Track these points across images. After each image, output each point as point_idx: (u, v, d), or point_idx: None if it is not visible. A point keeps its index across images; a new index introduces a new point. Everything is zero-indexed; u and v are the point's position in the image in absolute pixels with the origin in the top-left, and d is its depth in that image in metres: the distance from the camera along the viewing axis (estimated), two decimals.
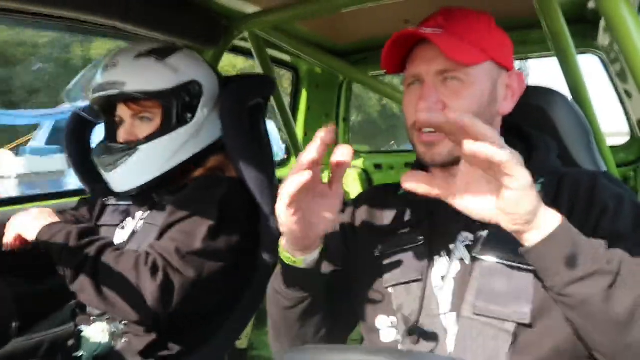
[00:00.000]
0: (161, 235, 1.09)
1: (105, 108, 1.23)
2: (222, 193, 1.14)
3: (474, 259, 0.79)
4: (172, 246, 1.05)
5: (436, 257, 0.83)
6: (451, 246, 0.82)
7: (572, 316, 0.65)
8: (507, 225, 0.64)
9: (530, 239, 0.64)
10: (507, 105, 0.87)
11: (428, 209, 0.88)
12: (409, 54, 0.85)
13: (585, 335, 0.66)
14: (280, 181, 2.07)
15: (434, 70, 0.81)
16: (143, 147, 1.13)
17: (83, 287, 1.02)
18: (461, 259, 0.81)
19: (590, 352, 0.68)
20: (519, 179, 0.59)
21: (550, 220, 0.64)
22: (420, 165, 0.93)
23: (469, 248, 0.81)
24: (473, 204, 0.66)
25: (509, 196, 0.61)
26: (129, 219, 1.22)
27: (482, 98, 0.81)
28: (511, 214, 0.62)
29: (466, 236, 0.82)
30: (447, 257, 0.82)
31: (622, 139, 2.08)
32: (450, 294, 0.80)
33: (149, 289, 1.00)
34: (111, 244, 1.10)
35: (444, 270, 0.82)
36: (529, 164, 0.81)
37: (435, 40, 0.77)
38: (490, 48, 0.82)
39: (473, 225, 0.82)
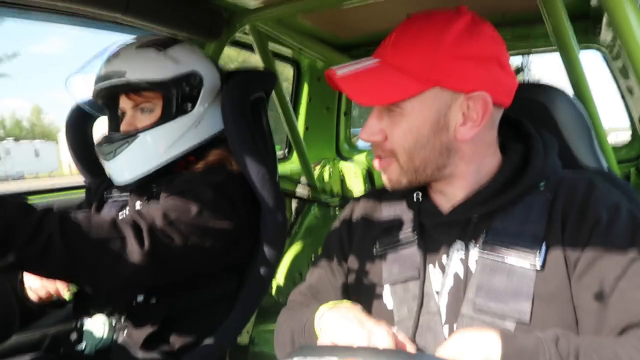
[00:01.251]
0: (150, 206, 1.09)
1: (108, 101, 1.23)
2: (219, 180, 1.14)
3: (468, 268, 0.79)
4: (159, 212, 1.02)
5: (431, 264, 0.83)
6: (444, 257, 0.82)
7: None
8: None
9: None
10: (466, 131, 0.78)
11: (420, 214, 0.88)
12: None
13: None
14: (281, 177, 2.07)
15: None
16: (143, 135, 1.14)
17: (47, 252, 0.85)
18: (455, 273, 0.80)
19: None
20: None
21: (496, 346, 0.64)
22: None
23: (463, 260, 0.80)
24: None
25: None
26: (126, 210, 1.22)
27: (421, 130, 0.77)
28: None
29: (460, 245, 0.82)
30: (441, 268, 0.82)
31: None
32: (448, 293, 0.80)
33: (132, 247, 0.93)
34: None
35: (438, 284, 0.82)
36: (526, 170, 0.80)
37: (343, 88, 0.79)
38: (437, 72, 0.75)
39: (465, 233, 0.82)
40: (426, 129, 0.77)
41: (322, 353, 0.55)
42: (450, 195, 0.84)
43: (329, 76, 0.82)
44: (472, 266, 0.79)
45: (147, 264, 0.95)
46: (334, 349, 0.55)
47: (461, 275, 0.79)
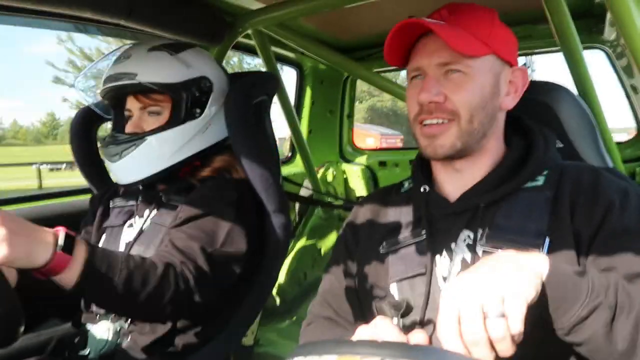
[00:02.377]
0: (179, 225, 1.08)
1: (115, 101, 1.23)
2: (236, 196, 1.15)
3: (476, 255, 0.79)
4: (196, 245, 1.04)
5: (438, 255, 0.84)
6: (452, 245, 0.83)
7: (580, 349, 0.66)
8: None
9: None
10: (509, 101, 0.87)
11: (428, 206, 0.88)
12: (412, 48, 0.86)
13: None
14: (285, 179, 2.07)
15: (436, 62, 0.81)
16: (150, 138, 1.13)
17: (108, 296, 0.91)
18: (463, 259, 0.81)
19: None
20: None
21: (543, 264, 0.63)
22: (421, 162, 0.94)
23: (470, 246, 0.81)
24: None
25: None
26: (136, 217, 1.22)
27: (484, 91, 0.82)
28: None
29: (468, 234, 0.82)
30: (449, 256, 0.82)
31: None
32: None
33: (181, 297, 0.98)
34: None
35: (446, 270, 0.82)
36: (529, 159, 0.83)
37: (437, 31, 0.77)
38: (493, 42, 0.82)
39: (473, 222, 0.82)
40: (487, 90, 0.82)
41: (321, 351, 0.54)
42: (465, 178, 0.86)
43: (405, 27, 0.81)
44: (480, 252, 0.79)
45: (191, 302, 1.01)
46: (333, 346, 0.55)
47: (468, 260, 0.80)
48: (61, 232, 0.82)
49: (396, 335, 0.68)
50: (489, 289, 0.58)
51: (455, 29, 0.80)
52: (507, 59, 0.85)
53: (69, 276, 0.82)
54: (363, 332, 0.70)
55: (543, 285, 0.61)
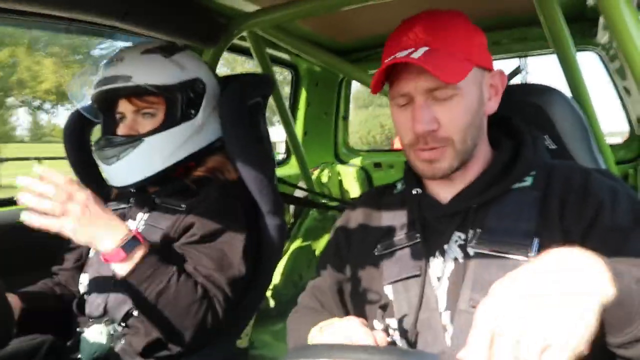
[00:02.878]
0: (197, 243, 1.10)
1: (105, 105, 1.22)
2: (240, 204, 1.17)
3: (468, 255, 0.80)
4: (223, 278, 1.08)
5: (431, 257, 0.84)
6: (445, 246, 0.83)
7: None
8: None
9: None
10: (492, 105, 0.87)
11: (420, 209, 0.89)
12: (393, 71, 0.83)
13: None
14: (280, 180, 2.07)
15: (423, 88, 0.79)
16: (147, 140, 1.13)
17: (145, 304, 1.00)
18: (455, 259, 0.81)
19: None
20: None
21: (607, 290, 0.51)
22: (412, 172, 0.94)
23: (462, 247, 0.81)
24: None
25: None
26: (129, 221, 1.22)
27: (472, 107, 0.81)
28: None
29: (459, 235, 0.83)
30: (442, 257, 0.83)
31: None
32: (446, 292, 0.80)
33: (210, 320, 1.04)
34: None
35: (439, 270, 0.82)
36: (517, 160, 0.84)
37: (426, 67, 0.75)
38: (473, 55, 0.81)
39: (465, 223, 0.83)
40: (475, 105, 0.82)
41: (308, 355, 0.55)
42: (456, 183, 0.87)
43: (386, 66, 0.79)
44: (471, 252, 0.80)
45: (213, 327, 1.05)
46: (322, 349, 0.55)
47: (460, 260, 0.80)
48: (132, 233, 0.98)
49: (361, 335, 0.69)
50: (534, 326, 0.48)
51: (438, 54, 0.78)
52: (485, 65, 0.84)
53: (119, 270, 0.98)
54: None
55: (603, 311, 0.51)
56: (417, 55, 0.77)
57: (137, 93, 1.14)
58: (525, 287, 0.51)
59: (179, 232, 1.12)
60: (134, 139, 1.13)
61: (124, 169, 1.15)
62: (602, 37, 1.80)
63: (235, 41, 1.67)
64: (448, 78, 0.75)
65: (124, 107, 1.17)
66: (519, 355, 0.47)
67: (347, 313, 0.95)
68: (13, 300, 1.08)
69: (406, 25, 0.83)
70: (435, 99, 0.80)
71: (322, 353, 0.54)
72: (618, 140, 2.10)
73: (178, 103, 1.16)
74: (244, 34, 1.67)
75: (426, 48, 0.78)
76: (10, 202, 1.48)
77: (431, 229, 0.86)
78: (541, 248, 0.75)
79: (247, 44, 1.79)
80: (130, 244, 0.96)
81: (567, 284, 0.49)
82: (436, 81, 0.77)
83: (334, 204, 2.41)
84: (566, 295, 0.48)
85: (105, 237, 0.95)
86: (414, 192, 0.90)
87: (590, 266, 0.52)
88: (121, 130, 1.16)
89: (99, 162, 1.19)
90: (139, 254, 0.98)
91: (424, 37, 0.80)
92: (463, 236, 0.82)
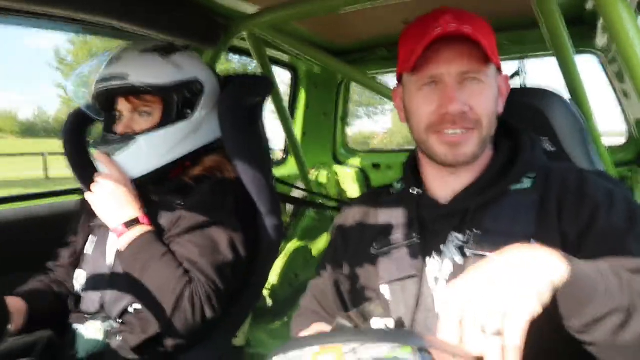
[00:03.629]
0: (185, 233, 1.10)
1: (105, 103, 1.22)
2: (234, 201, 1.17)
3: (465, 257, 0.80)
4: (205, 261, 1.07)
5: (428, 257, 0.84)
6: (442, 246, 0.83)
7: (594, 350, 0.63)
8: None
9: None
10: (501, 105, 0.89)
11: (419, 209, 0.89)
12: (423, 54, 0.80)
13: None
14: (278, 180, 2.06)
15: (456, 71, 0.80)
16: (141, 138, 1.14)
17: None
18: (452, 259, 0.81)
19: None
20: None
21: (560, 275, 0.57)
22: (412, 166, 0.94)
23: (460, 248, 0.81)
24: None
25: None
26: None
27: (495, 98, 0.84)
28: None
29: (456, 236, 0.83)
30: (439, 258, 0.83)
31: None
32: (445, 282, 0.80)
33: (204, 314, 1.06)
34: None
35: (436, 270, 0.82)
36: (515, 162, 0.84)
37: (475, 37, 0.76)
38: (494, 51, 0.83)
39: (463, 224, 0.83)
40: (495, 98, 0.85)
41: (303, 345, 0.55)
42: (455, 184, 0.87)
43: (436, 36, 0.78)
44: (468, 253, 0.80)
45: (203, 316, 1.06)
46: (312, 339, 0.55)
47: (458, 261, 0.80)
48: (137, 215, 1.12)
49: None
50: (489, 302, 0.54)
51: (477, 35, 0.78)
52: (499, 66, 0.87)
53: (118, 244, 1.11)
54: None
55: (555, 290, 0.57)
56: (459, 28, 0.78)
57: (134, 92, 1.14)
58: (486, 273, 0.57)
59: (171, 227, 1.13)
60: (127, 138, 1.14)
61: (119, 167, 1.15)
62: (601, 39, 1.80)
63: (236, 42, 1.68)
64: (490, 53, 0.77)
65: (122, 105, 1.18)
66: (484, 326, 0.53)
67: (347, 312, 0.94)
68: (18, 302, 1.09)
69: (432, 15, 0.83)
70: (464, 84, 0.81)
71: (311, 342, 0.54)
72: (620, 139, 2.10)
73: (174, 103, 1.16)
74: (244, 35, 1.67)
75: (470, 28, 0.78)
76: (6, 200, 1.47)
77: (429, 230, 0.86)
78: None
79: (246, 45, 1.79)
80: (131, 223, 1.10)
81: (523, 267, 0.56)
82: (469, 65, 0.79)
83: (332, 204, 2.41)
84: (521, 274, 0.55)
85: (113, 215, 1.11)
86: (413, 192, 0.90)
87: (545, 252, 0.59)
88: (119, 128, 1.17)
89: (95, 160, 1.19)
90: (136, 231, 1.09)
91: (456, 23, 0.79)
92: (461, 237, 0.82)
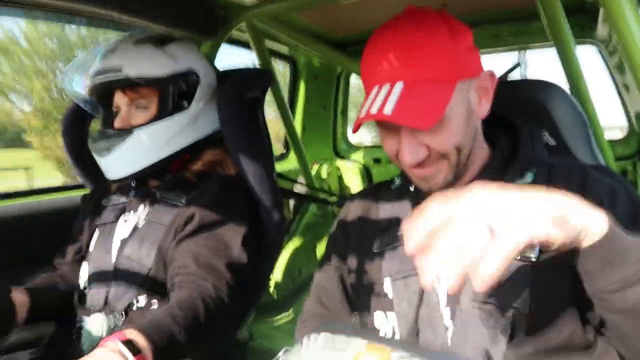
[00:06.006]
0: (194, 233, 1.09)
1: (103, 97, 1.22)
2: (240, 197, 1.17)
3: None
4: (222, 263, 1.07)
5: None
6: None
7: (618, 319, 0.61)
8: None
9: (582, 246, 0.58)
10: (484, 107, 0.83)
11: (417, 205, 0.88)
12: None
13: (623, 336, 0.63)
14: (279, 175, 2.07)
15: (408, 130, 0.77)
16: (138, 132, 1.13)
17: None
18: None
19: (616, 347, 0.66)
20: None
21: (597, 225, 0.55)
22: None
23: None
24: None
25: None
26: (130, 213, 1.22)
27: (460, 123, 0.78)
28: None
29: None
30: None
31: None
32: (446, 289, 0.79)
33: (222, 316, 1.05)
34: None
35: None
36: (515, 157, 0.83)
37: (401, 123, 0.73)
38: (456, 69, 0.76)
39: None
40: (464, 122, 0.78)
41: (353, 334, 0.55)
42: (456, 181, 0.84)
43: (366, 118, 0.75)
44: None
45: (226, 317, 1.06)
46: (366, 333, 0.55)
47: None
48: (120, 344, 0.81)
49: None
50: (503, 204, 0.49)
51: (415, 91, 0.73)
52: (472, 74, 0.80)
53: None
54: None
55: (588, 248, 0.55)
56: (392, 99, 0.73)
57: (130, 84, 1.13)
58: (500, 192, 0.51)
59: (181, 226, 1.12)
60: (125, 132, 1.13)
61: (116, 162, 1.15)
62: (602, 30, 1.79)
63: (234, 33, 1.66)
64: (427, 124, 0.72)
65: (119, 98, 1.17)
66: (462, 241, 0.47)
67: (353, 310, 0.94)
68: (21, 296, 1.09)
69: (381, 47, 0.78)
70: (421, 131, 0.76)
71: (361, 335, 0.54)
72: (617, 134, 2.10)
73: (170, 94, 1.15)
74: (243, 26, 1.66)
75: (401, 84, 0.74)
76: (11, 195, 1.48)
77: None
78: (541, 247, 0.75)
79: (245, 37, 1.78)
80: (131, 347, 0.83)
81: (560, 203, 0.52)
82: (422, 123, 0.73)
83: (334, 199, 2.41)
84: (553, 204, 0.51)
85: None
86: (411, 188, 0.90)
87: (590, 211, 0.55)
88: (117, 123, 1.16)
89: (94, 155, 1.19)
90: (143, 343, 0.86)
91: (399, 67, 0.75)
92: None
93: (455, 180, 0.82)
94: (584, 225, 0.54)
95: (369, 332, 0.55)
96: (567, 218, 0.52)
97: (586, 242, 0.55)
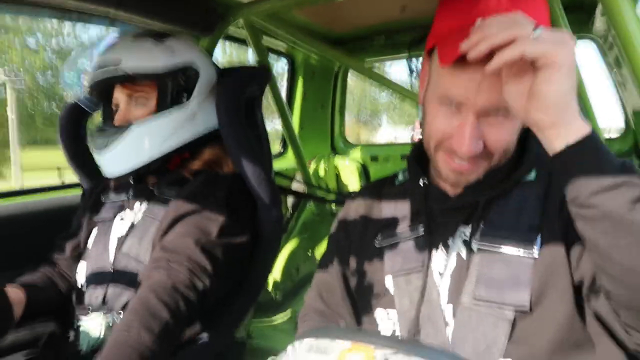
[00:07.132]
0: (169, 227, 1.08)
1: (103, 93, 1.21)
2: (226, 193, 1.14)
3: (471, 251, 0.79)
4: (190, 240, 1.04)
5: (434, 250, 0.83)
6: (449, 240, 0.82)
7: (591, 231, 0.61)
8: (533, 124, 0.64)
9: (556, 145, 0.62)
10: None
11: (427, 200, 0.87)
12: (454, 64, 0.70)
13: (602, 256, 0.61)
14: (277, 174, 2.06)
15: (480, 106, 0.71)
16: (136, 127, 1.12)
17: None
18: (458, 254, 0.80)
19: (605, 292, 0.64)
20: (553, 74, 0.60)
21: (578, 127, 0.61)
22: (417, 157, 0.92)
23: (466, 242, 0.80)
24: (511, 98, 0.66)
25: (538, 90, 0.61)
26: (127, 211, 1.21)
27: (518, 125, 0.76)
28: (538, 111, 0.62)
29: (463, 230, 0.82)
30: (445, 251, 0.82)
31: None
32: (448, 287, 0.80)
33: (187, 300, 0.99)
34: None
35: (442, 265, 0.82)
36: (525, 153, 0.82)
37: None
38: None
39: (472, 217, 0.81)
40: (519, 123, 0.76)
41: (336, 335, 0.55)
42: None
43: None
44: (475, 247, 0.79)
45: (204, 298, 1.01)
46: (348, 332, 0.55)
47: (464, 256, 0.80)
48: None
49: None
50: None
51: None
52: None
53: None
54: None
55: (565, 154, 0.61)
56: None
57: (128, 78, 1.12)
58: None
59: (166, 220, 1.11)
60: (123, 128, 1.12)
61: (114, 158, 1.14)
62: (600, 26, 1.79)
63: (232, 30, 1.66)
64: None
65: (118, 94, 1.16)
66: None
67: (354, 307, 0.93)
68: (17, 293, 1.08)
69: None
70: (487, 117, 0.72)
71: (344, 335, 0.54)
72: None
73: (169, 89, 1.15)
74: (240, 22, 1.66)
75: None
76: (9, 194, 1.47)
77: (436, 222, 0.85)
78: (543, 243, 0.74)
79: (243, 33, 1.78)
80: None
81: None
82: (498, 99, 0.69)
83: (331, 197, 2.41)
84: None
85: None
86: (420, 182, 0.87)
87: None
88: (116, 120, 1.15)
89: (93, 153, 1.19)
90: None
91: (508, 6, 0.71)
92: (468, 231, 0.81)
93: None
94: (559, 115, 0.62)
95: (353, 332, 0.55)
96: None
97: (562, 139, 0.61)
